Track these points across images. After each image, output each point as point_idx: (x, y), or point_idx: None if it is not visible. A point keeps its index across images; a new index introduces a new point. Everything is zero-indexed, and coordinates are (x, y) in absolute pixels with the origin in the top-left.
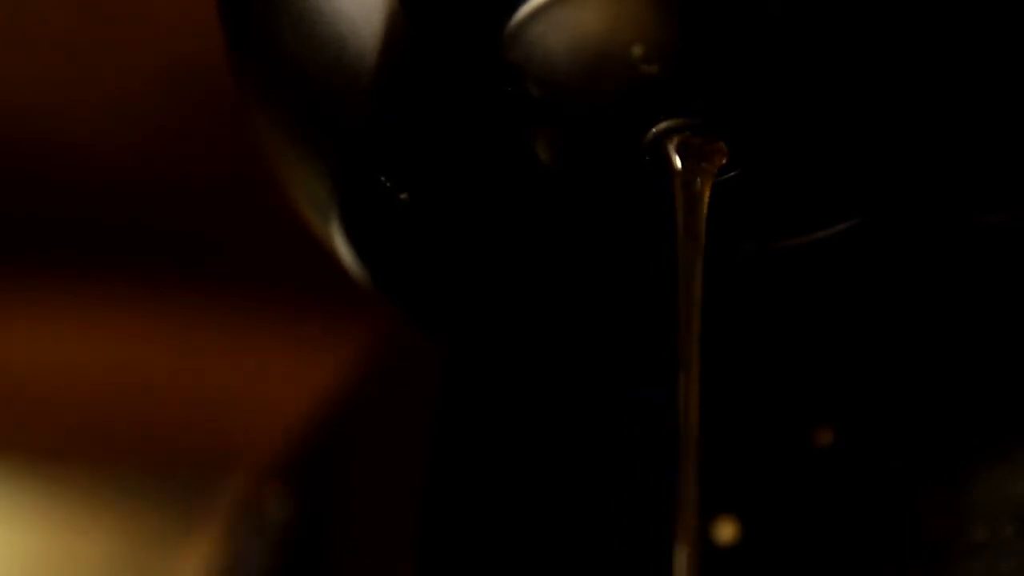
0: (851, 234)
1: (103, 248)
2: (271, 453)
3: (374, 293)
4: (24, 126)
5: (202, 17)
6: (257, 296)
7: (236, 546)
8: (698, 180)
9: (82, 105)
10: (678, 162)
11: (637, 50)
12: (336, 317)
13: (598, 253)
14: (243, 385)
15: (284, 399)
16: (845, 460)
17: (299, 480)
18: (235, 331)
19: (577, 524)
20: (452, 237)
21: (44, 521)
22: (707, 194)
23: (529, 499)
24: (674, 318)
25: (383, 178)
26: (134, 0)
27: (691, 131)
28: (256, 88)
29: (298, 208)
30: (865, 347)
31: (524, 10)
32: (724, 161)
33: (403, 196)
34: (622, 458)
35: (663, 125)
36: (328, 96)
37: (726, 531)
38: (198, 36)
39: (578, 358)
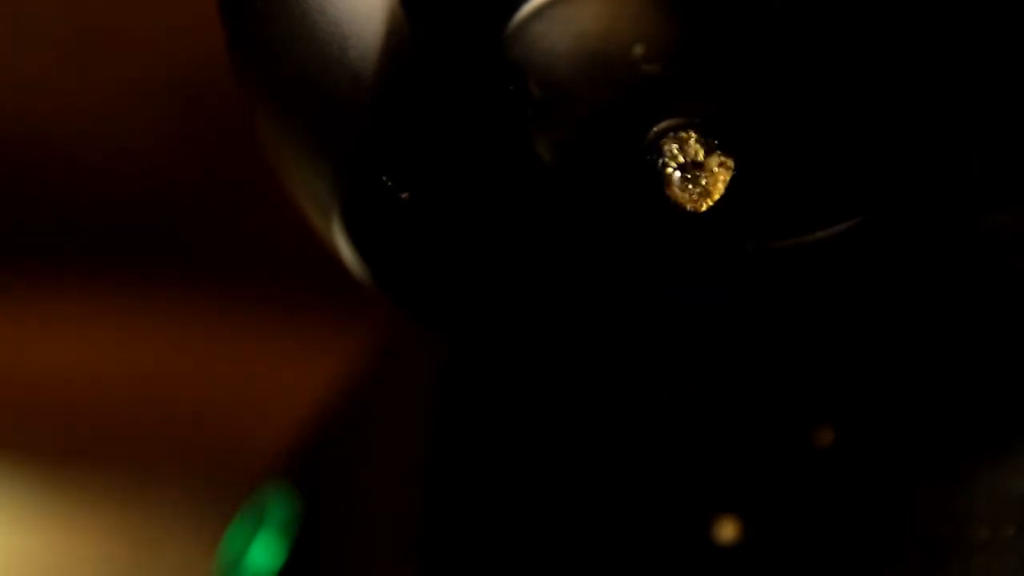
0: (851, 234)
1: (103, 249)
2: (272, 453)
3: (375, 292)
4: (26, 128)
5: (202, 18)
6: (257, 297)
7: (237, 546)
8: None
9: (84, 107)
10: (677, 165)
11: (638, 49)
12: (337, 317)
13: (599, 252)
14: (243, 386)
15: (285, 399)
16: (845, 460)
17: (300, 480)
18: (235, 332)
19: (578, 523)
20: (452, 237)
21: (44, 521)
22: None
23: (530, 498)
24: (674, 317)
25: (384, 177)
26: (134, 2)
27: (692, 131)
28: (257, 88)
29: (300, 208)
30: (865, 347)
31: (525, 9)
32: (725, 171)
33: (404, 195)
34: (623, 458)
35: (664, 124)
36: (329, 96)
37: (726, 531)
38: (199, 37)
39: (579, 358)
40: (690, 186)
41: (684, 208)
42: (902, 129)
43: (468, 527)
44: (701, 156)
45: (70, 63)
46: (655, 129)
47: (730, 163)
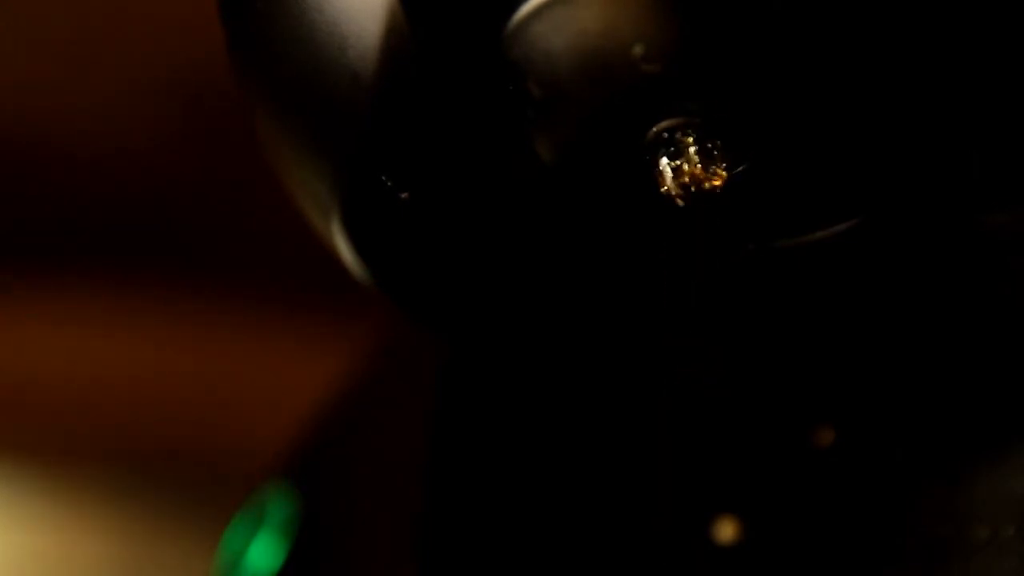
0: (851, 234)
1: (103, 249)
2: (272, 453)
3: (375, 293)
4: (26, 128)
5: (203, 18)
6: (257, 296)
7: (237, 546)
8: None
9: (84, 107)
10: (670, 174)
11: (638, 49)
12: (337, 317)
13: (598, 252)
14: (243, 385)
15: (284, 399)
16: (845, 460)
17: (299, 480)
18: (235, 332)
19: (578, 523)
20: (452, 237)
21: (43, 521)
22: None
23: (530, 498)
24: (674, 316)
25: (384, 177)
26: (134, 2)
27: (692, 130)
28: (257, 88)
29: (299, 208)
30: (866, 347)
31: (525, 9)
32: (725, 172)
33: (404, 195)
34: (623, 458)
35: (664, 124)
36: (329, 96)
37: (726, 531)
38: (199, 37)
39: (579, 358)
40: (689, 186)
41: (684, 208)
42: (902, 129)
43: (468, 527)
44: (700, 156)
45: (70, 63)
46: (654, 129)
47: (729, 163)
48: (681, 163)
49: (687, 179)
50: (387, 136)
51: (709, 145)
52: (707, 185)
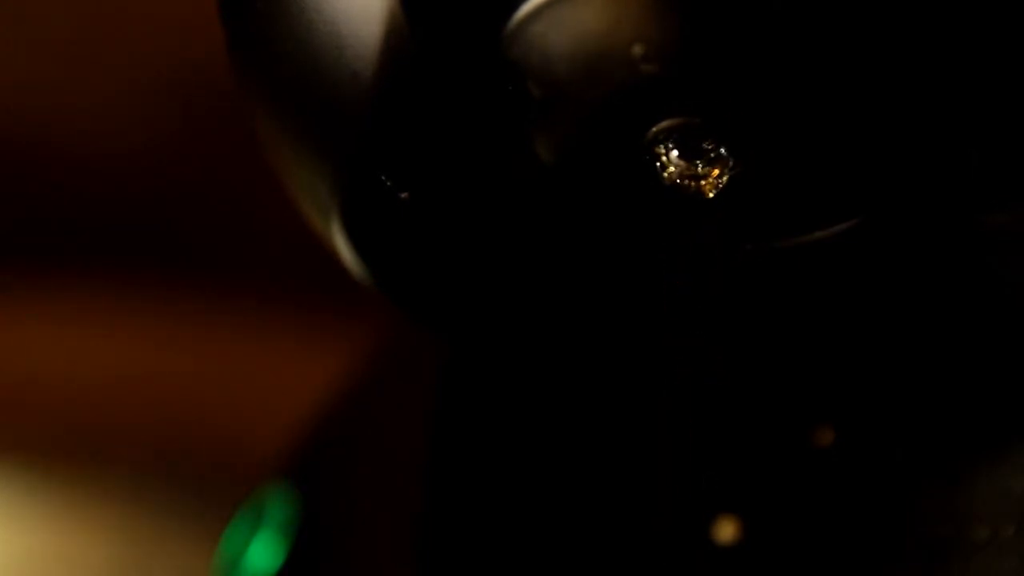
0: (851, 234)
1: (103, 249)
2: (271, 453)
3: (375, 293)
4: (26, 128)
5: (202, 18)
6: (257, 296)
7: (236, 546)
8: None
9: (84, 107)
10: (676, 166)
11: (637, 49)
12: (337, 317)
13: (598, 252)
14: (243, 385)
15: (285, 399)
16: (845, 460)
17: (299, 480)
18: (235, 331)
19: (578, 523)
20: (452, 237)
21: (42, 521)
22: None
23: (530, 498)
24: (674, 316)
25: (384, 177)
26: (134, 2)
27: (691, 130)
28: (257, 88)
29: (299, 208)
30: (866, 347)
31: (524, 9)
32: (724, 172)
33: (403, 195)
34: (623, 458)
35: (663, 124)
36: (328, 96)
37: (726, 531)
38: (199, 37)
39: (579, 358)
40: (689, 186)
41: (683, 208)
42: (902, 129)
43: (468, 527)
44: (700, 156)
45: (70, 63)
46: (654, 129)
47: (729, 163)
48: (680, 163)
49: (686, 179)
50: (387, 136)
51: (709, 145)
52: (707, 185)
